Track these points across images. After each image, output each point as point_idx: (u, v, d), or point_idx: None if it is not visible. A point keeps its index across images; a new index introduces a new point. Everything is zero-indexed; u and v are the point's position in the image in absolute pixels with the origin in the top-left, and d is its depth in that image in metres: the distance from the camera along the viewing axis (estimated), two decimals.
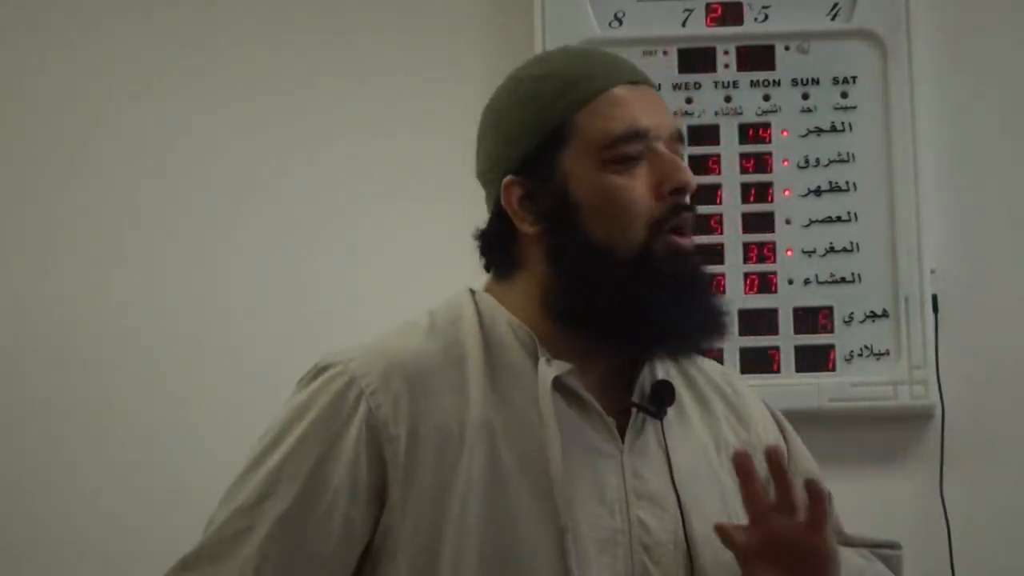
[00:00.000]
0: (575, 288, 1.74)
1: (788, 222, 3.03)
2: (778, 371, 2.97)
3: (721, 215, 3.03)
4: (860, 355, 2.98)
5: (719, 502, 1.77)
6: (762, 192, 3.04)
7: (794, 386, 2.95)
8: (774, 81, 3.06)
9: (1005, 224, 3.06)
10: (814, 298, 3.00)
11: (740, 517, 1.74)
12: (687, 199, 1.74)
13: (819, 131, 3.04)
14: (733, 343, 2.98)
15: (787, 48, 3.07)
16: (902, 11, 3.04)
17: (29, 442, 3.06)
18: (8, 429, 3.07)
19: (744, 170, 3.04)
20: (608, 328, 1.73)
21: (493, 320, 1.78)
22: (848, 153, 3.04)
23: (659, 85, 3.01)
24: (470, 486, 1.69)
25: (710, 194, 3.04)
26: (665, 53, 3.07)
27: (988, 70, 3.09)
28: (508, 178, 1.78)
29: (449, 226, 3.05)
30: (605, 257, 1.72)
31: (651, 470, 1.74)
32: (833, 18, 3.07)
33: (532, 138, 1.77)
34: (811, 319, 2.99)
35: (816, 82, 3.05)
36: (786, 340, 2.99)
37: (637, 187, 1.73)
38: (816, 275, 3.01)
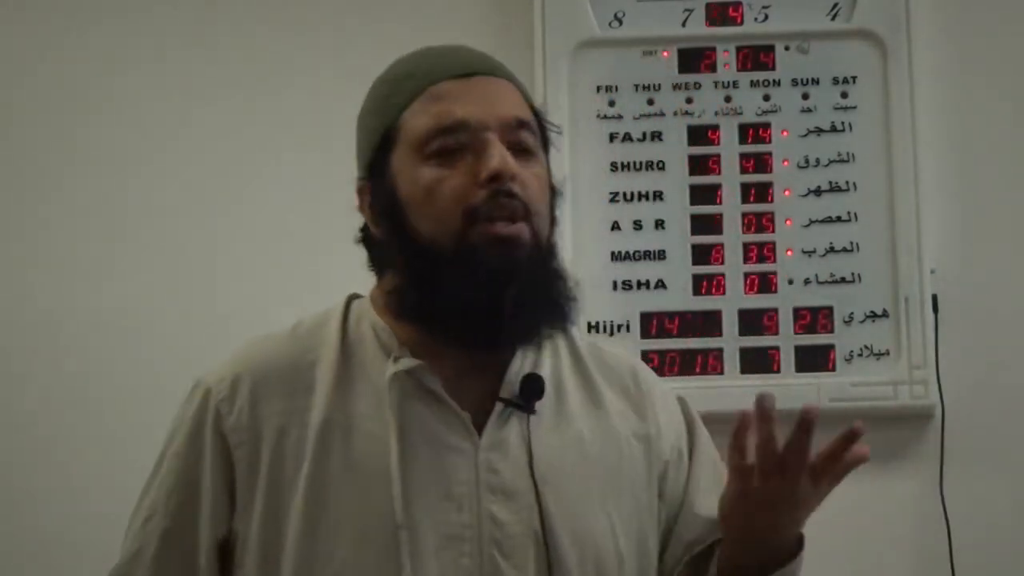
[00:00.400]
0: (410, 286, 1.75)
1: (788, 222, 3.03)
2: (778, 371, 2.97)
3: (721, 215, 3.03)
4: (860, 355, 2.98)
5: (588, 494, 1.75)
6: (762, 192, 3.04)
7: (794, 386, 2.95)
8: (774, 81, 3.06)
9: (1005, 224, 3.06)
10: (814, 298, 3.01)
11: (613, 509, 1.75)
12: (507, 186, 1.70)
13: (819, 131, 3.04)
14: (733, 343, 2.98)
15: (787, 48, 3.07)
16: (902, 11, 3.04)
17: (27, 443, 3.06)
18: (6, 430, 3.07)
19: (744, 170, 3.04)
20: (443, 324, 1.74)
21: (359, 323, 1.81)
22: (848, 153, 3.04)
23: (659, 84, 3.06)
24: (304, 490, 1.72)
25: (710, 194, 3.04)
26: (665, 53, 3.08)
27: (988, 70, 3.10)
28: (358, 183, 1.82)
29: None
30: (430, 252, 1.72)
31: (508, 464, 1.73)
32: (833, 18, 3.07)
33: (372, 143, 1.80)
34: (811, 319, 2.99)
35: (816, 82, 3.05)
36: (786, 340, 2.99)
37: (454, 177, 1.72)
38: (816, 275, 3.01)
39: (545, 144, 1.82)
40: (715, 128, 3.05)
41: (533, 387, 1.76)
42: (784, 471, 1.63)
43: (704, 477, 1.86)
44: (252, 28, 3.17)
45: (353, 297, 1.85)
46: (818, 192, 3.03)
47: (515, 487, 1.72)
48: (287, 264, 3.09)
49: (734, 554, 1.73)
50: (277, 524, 1.72)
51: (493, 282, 1.70)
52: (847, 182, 3.03)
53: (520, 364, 1.79)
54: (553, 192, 1.81)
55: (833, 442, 1.63)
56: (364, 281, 3.10)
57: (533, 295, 1.72)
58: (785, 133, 3.05)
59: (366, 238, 1.83)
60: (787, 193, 3.04)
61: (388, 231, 1.77)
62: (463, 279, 1.70)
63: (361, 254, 3.04)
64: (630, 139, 3.05)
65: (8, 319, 3.10)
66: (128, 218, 3.12)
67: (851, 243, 3.01)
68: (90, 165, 3.14)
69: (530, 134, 1.76)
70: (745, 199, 3.04)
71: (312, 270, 3.09)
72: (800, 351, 2.99)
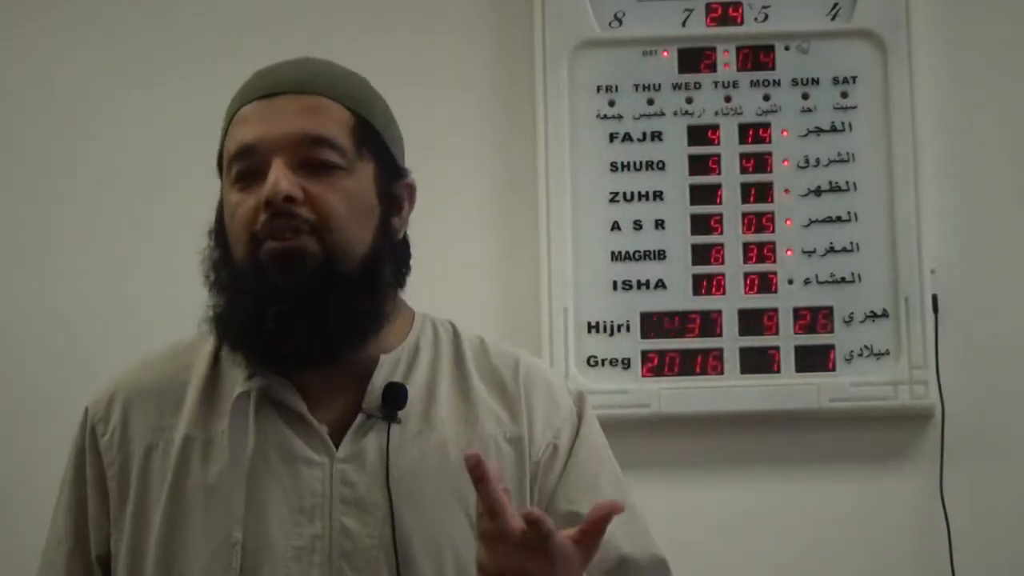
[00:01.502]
0: (218, 312, 1.77)
1: (788, 222, 3.03)
2: (778, 371, 2.97)
3: (721, 215, 3.03)
4: (860, 355, 2.98)
5: (450, 502, 1.73)
6: (762, 192, 3.04)
7: (794, 386, 2.96)
8: (774, 81, 3.06)
9: (1005, 224, 3.06)
10: (814, 298, 3.00)
11: (475, 515, 1.65)
12: (284, 208, 1.70)
13: (819, 131, 3.04)
14: (733, 343, 2.98)
15: (787, 48, 3.07)
16: (902, 11, 3.04)
17: (39, 442, 3.06)
18: (16, 428, 3.08)
19: (744, 170, 3.04)
20: (228, 341, 1.76)
21: None
22: (848, 153, 3.04)
23: (659, 84, 3.06)
24: (164, 507, 1.74)
25: (710, 194, 3.04)
26: (665, 53, 3.07)
27: (988, 70, 3.09)
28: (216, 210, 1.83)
29: (454, 227, 3.07)
30: (235, 276, 1.74)
31: (364, 476, 1.72)
32: (833, 18, 3.07)
33: (219, 171, 1.82)
34: (811, 319, 2.99)
35: (816, 82, 3.05)
36: (786, 340, 2.99)
37: (247, 202, 1.73)
38: (816, 275, 3.01)
39: (377, 151, 1.79)
40: (715, 128, 3.05)
41: (396, 396, 1.75)
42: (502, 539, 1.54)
43: (577, 475, 1.80)
44: (251, 30, 3.16)
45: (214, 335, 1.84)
46: (818, 192, 3.03)
47: (369, 499, 1.72)
48: None
49: None
50: (141, 545, 1.75)
51: (264, 298, 1.70)
52: (847, 182, 3.03)
53: (389, 371, 1.78)
54: (389, 199, 1.79)
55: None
56: None
57: (311, 312, 1.70)
58: (785, 133, 3.05)
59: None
60: (787, 193, 3.04)
61: (216, 252, 1.79)
62: (248, 298, 1.72)
63: None
64: (630, 139, 3.05)
65: (18, 319, 3.11)
66: (138, 220, 3.12)
67: (851, 243, 3.01)
68: (95, 167, 3.14)
69: (331, 149, 1.75)
70: (745, 199, 3.03)
71: None
72: (800, 351, 2.98)
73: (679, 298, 3.01)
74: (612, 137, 3.06)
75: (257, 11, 3.17)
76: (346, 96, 1.80)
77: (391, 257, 1.79)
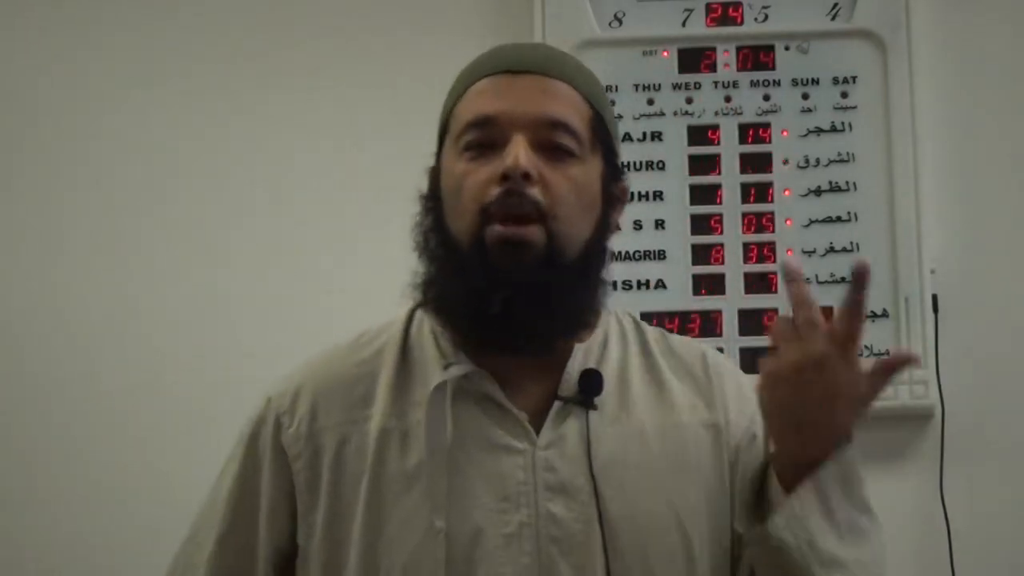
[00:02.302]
0: (434, 278, 1.76)
1: (788, 222, 3.03)
2: None
3: (721, 215, 3.03)
4: (860, 355, 2.95)
5: (651, 486, 1.73)
6: (762, 192, 3.04)
7: None
8: (774, 81, 3.06)
9: (1005, 224, 3.06)
10: (814, 298, 3.00)
11: (678, 498, 1.72)
12: (519, 185, 1.69)
13: (819, 131, 3.04)
14: (733, 343, 2.98)
15: (787, 48, 3.07)
16: (902, 11, 3.04)
17: (39, 442, 3.07)
18: (21, 427, 3.08)
19: (744, 170, 3.04)
20: (452, 321, 1.75)
21: (420, 330, 1.82)
22: (848, 153, 3.04)
23: (659, 84, 3.06)
24: (364, 498, 1.73)
25: (710, 194, 3.04)
26: (665, 53, 3.08)
27: (988, 69, 3.10)
28: (428, 173, 1.83)
29: None
30: (453, 246, 1.73)
31: (566, 461, 1.72)
32: (833, 18, 3.07)
33: (439, 131, 1.83)
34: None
35: (816, 82, 3.05)
36: None
37: (478, 173, 1.72)
38: (816, 275, 3.01)
39: (606, 149, 1.79)
40: (715, 128, 3.05)
41: (592, 382, 1.75)
42: (814, 336, 1.63)
43: None
44: (254, 32, 3.17)
45: (418, 305, 1.84)
46: (818, 192, 3.03)
47: (573, 484, 1.71)
48: (297, 262, 3.09)
49: (782, 454, 1.67)
50: (339, 538, 1.74)
51: (491, 281, 1.69)
52: (847, 182, 3.03)
53: (582, 359, 1.78)
54: (611, 197, 1.79)
55: (847, 298, 1.64)
56: (370, 282, 3.11)
57: (532, 301, 1.70)
58: (785, 133, 3.05)
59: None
60: (787, 193, 3.04)
61: (428, 220, 1.78)
62: (469, 278, 1.70)
63: (357, 253, 3.09)
64: (630, 139, 3.05)
65: (22, 316, 3.11)
66: (141, 216, 3.12)
67: (851, 243, 3.01)
68: (100, 163, 3.14)
69: (567, 135, 1.74)
70: (745, 199, 3.04)
71: (326, 272, 3.09)
72: None
73: (679, 298, 3.01)
74: None
75: (257, 11, 3.17)
76: (586, 88, 1.80)
77: (604, 253, 1.79)
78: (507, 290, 1.69)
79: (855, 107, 3.04)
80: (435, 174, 1.79)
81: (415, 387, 1.76)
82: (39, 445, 3.07)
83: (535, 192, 1.70)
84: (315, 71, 3.14)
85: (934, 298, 2.98)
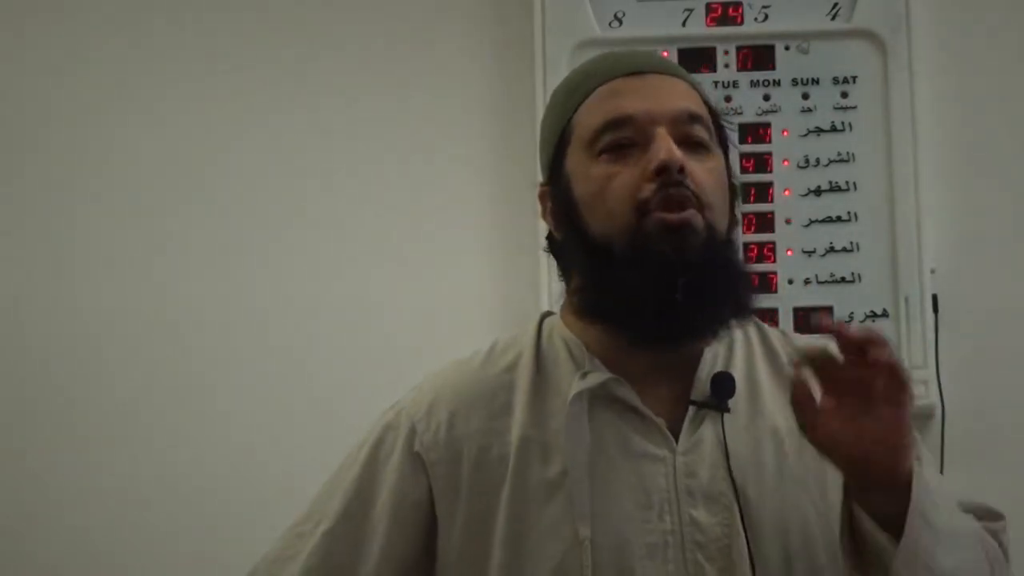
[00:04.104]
0: (588, 285, 1.75)
1: (788, 222, 3.03)
2: None
3: None
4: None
5: (790, 487, 1.73)
6: (762, 192, 3.04)
7: None
8: (774, 81, 3.06)
9: (1005, 224, 3.06)
10: (814, 298, 3.00)
11: (818, 497, 1.71)
12: (675, 176, 1.70)
13: (819, 131, 3.04)
14: None
15: (787, 48, 3.07)
16: (902, 11, 3.04)
17: (39, 442, 3.07)
18: (33, 430, 3.08)
19: (744, 170, 3.04)
20: (621, 320, 1.73)
21: (551, 339, 1.82)
22: (848, 153, 3.04)
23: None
24: (505, 507, 1.73)
25: None
26: (665, 53, 3.07)
27: (988, 70, 3.09)
28: (540, 188, 1.83)
29: (455, 228, 3.07)
30: (605, 249, 1.72)
31: (706, 467, 1.72)
32: (833, 18, 3.07)
33: (550, 145, 1.81)
34: (811, 319, 2.99)
35: (816, 82, 3.05)
36: None
37: (624, 173, 1.72)
38: (816, 275, 3.01)
39: (723, 143, 1.81)
40: None
41: (724, 385, 1.75)
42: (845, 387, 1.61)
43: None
44: (248, 32, 3.17)
45: (546, 315, 1.85)
46: (818, 192, 3.03)
47: (714, 489, 1.71)
48: (317, 268, 3.09)
49: (856, 494, 1.65)
50: (479, 547, 1.73)
51: (666, 271, 1.69)
52: (847, 182, 3.03)
53: (711, 363, 1.78)
54: (733, 189, 1.80)
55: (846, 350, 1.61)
56: (378, 284, 3.09)
57: (708, 284, 1.70)
58: (785, 133, 3.05)
59: (552, 246, 1.83)
60: (787, 193, 3.04)
61: (567, 232, 1.78)
62: (637, 271, 1.69)
63: (354, 250, 3.09)
64: None
65: (38, 321, 3.11)
66: (157, 223, 3.12)
67: (851, 243, 3.01)
68: (116, 170, 3.14)
69: (702, 128, 1.76)
70: (745, 199, 3.03)
71: (334, 273, 3.09)
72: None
73: None
74: None
75: (260, 18, 3.17)
76: (700, 88, 1.83)
77: (736, 246, 1.80)
78: (686, 274, 1.68)
79: (855, 107, 3.04)
80: (561, 186, 1.78)
81: (552, 397, 1.76)
82: (39, 445, 3.07)
83: (690, 183, 1.71)
84: (313, 75, 3.14)
85: (934, 298, 2.98)
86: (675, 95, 1.77)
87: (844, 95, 3.05)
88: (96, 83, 3.15)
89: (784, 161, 3.04)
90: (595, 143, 1.75)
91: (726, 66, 3.07)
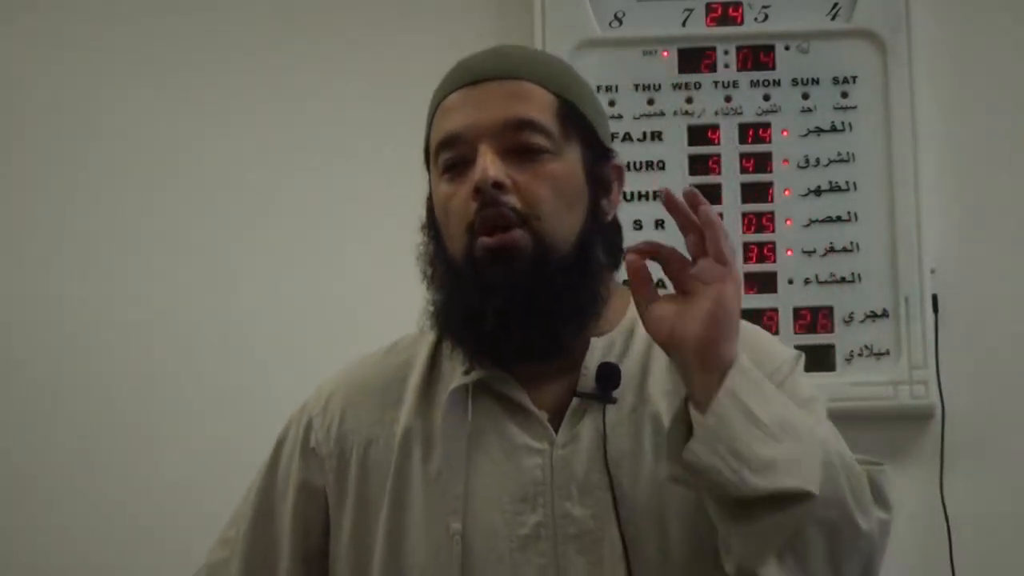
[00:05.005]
0: (438, 301, 1.77)
1: (788, 222, 3.03)
2: None
3: (721, 215, 3.02)
4: (860, 355, 2.98)
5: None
6: (762, 192, 3.04)
7: None
8: (774, 81, 3.06)
9: (1005, 224, 3.06)
10: (814, 298, 3.01)
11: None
12: (490, 196, 1.69)
13: (819, 131, 3.04)
14: None
15: (787, 48, 3.07)
16: (902, 11, 3.04)
17: (39, 442, 3.07)
18: (16, 428, 3.08)
19: (744, 170, 3.05)
20: (461, 342, 1.75)
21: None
22: (848, 153, 3.04)
23: (659, 84, 3.06)
24: (388, 500, 1.75)
25: (710, 194, 3.03)
26: (665, 53, 3.08)
27: (988, 70, 3.10)
28: (427, 201, 1.82)
29: None
30: (452, 269, 1.74)
31: (583, 459, 1.71)
32: (833, 18, 3.07)
33: (425, 162, 1.82)
34: (811, 319, 2.99)
35: (816, 82, 3.05)
36: (786, 340, 2.98)
37: (459, 193, 1.72)
38: (816, 275, 3.01)
39: (584, 134, 1.78)
40: (715, 128, 3.05)
41: (609, 376, 1.74)
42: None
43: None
44: (251, 33, 3.17)
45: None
46: (818, 192, 3.03)
47: (589, 481, 1.71)
48: (301, 268, 3.09)
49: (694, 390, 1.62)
50: (365, 538, 1.76)
51: (482, 295, 1.69)
52: (847, 182, 3.03)
53: (602, 353, 1.76)
54: (599, 181, 1.78)
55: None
56: (383, 287, 3.09)
57: (528, 305, 1.69)
58: (785, 133, 3.05)
59: (424, 254, 1.83)
60: (787, 193, 3.04)
61: (431, 248, 1.79)
62: (465, 296, 1.71)
63: (360, 261, 3.09)
64: (630, 139, 3.05)
65: (25, 320, 3.11)
66: (144, 223, 3.13)
67: (851, 243, 3.01)
68: (102, 169, 3.14)
69: (538, 133, 1.73)
70: (745, 199, 3.04)
71: (327, 276, 3.09)
72: (800, 351, 2.98)
73: None
74: (612, 137, 3.04)
75: (261, 19, 3.17)
76: (548, 78, 1.78)
77: (602, 239, 1.77)
78: (498, 301, 1.69)
79: (855, 107, 3.04)
80: (430, 202, 1.80)
81: (442, 391, 1.78)
82: (39, 445, 3.07)
83: (511, 199, 1.69)
84: (312, 74, 3.14)
85: (934, 298, 2.98)
86: (504, 102, 1.73)
87: (844, 95, 3.05)
88: (66, 80, 3.16)
89: (784, 161, 3.04)
90: (438, 163, 1.76)
91: (726, 66, 3.07)
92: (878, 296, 2.99)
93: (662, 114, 3.06)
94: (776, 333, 2.98)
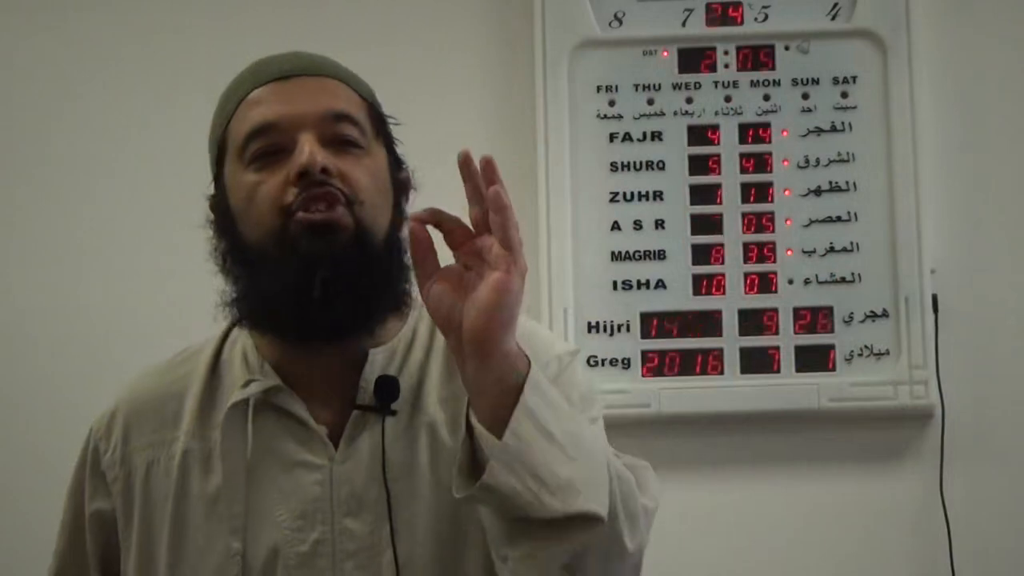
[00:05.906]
0: (239, 293, 1.74)
1: (788, 222, 3.03)
2: (778, 371, 2.97)
3: (721, 215, 3.03)
4: (860, 355, 2.98)
5: (446, 484, 1.65)
6: (762, 192, 3.04)
7: (794, 386, 2.96)
8: (774, 81, 3.06)
9: (1005, 224, 3.06)
10: (814, 298, 3.00)
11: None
12: (318, 178, 1.67)
13: (819, 131, 3.04)
14: (733, 343, 2.98)
15: (787, 48, 3.07)
16: (902, 11, 3.04)
17: (39, 442, 3.07)
18: (15, 428, 3.08)
19: (744, 170, 3.04)
20: (271, 324, 1.72)
21: (233, 348, 1.80)
22: (848, 153, 3.04)
23: (659, 84, 3.06)
24: (169, 524, 1.73)
25: (710, 194, 3.04)
26: (665, 53, 3.07)
27: (988, 70, 3.09)
28: (208, 200, 1.80)
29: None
30: (258, 257, 1.70)
31: (362, 474, 1.70)
32: (833, 18, 3.07)
33: (212, 156, 1.80)
34: (811, 319, 2.99)
35: (816, 82, 3.05)
36: (786, 340, 2.99)
37: (269, 181, 1.69)
38: (816, 275, 3.01)
39: (386, 138, 1.79)
40: (715, 128, 3.05)
41: (387, 388, 1.72)
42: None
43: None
44: (235, 25, 3.16)
45: (233, 324, 1.82)
46: (818, 192, 3.03)
47: (368, 496, 1.70)
48: None
49: (477, 400, 1.58)
50: (149, 563, 1.74)
51: (307, 269, 1.66)
52: (847, 182, 3.03)
53: (382, 366, 1.74)
54: (400, 185, 1.78)
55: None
56: None
57: (353, 280, 1.67)
58: (785, 133, 3.05)
59: (217, 257, 1.80)
60: (787, 193, 3.04)
61: (226, 243, 1.76)
62: (280, 272, 1.67)
63: None
64: (630, 139, 3.05)
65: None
66: (111, 220, 3.13)
67: (851, 243, 3.01)
68: (68, 166, 3.14)
69: (353, 126, 1.74)
70: (745, 199, 3.04)
71: None
72: (800, 351, 2.98)
73: (679, 298, 3.01)
74: (612, 137, 3.05)
75: (254, 16, 3.17)
76: (354, 81, 1.81)
77: (402, 245, 1.75)
78: (325, 271, 1.66)
79: (855, 107, 3.04)
80: (218, 197, 1.77)
81: (220, 406, 1.75)
82: (39, 445, 3.07)
83: (336, 182, 1.69)
84: None
85: (934, 298, 2.98)
86: (322, 96, 1.74)
87: (844, 95, 3.05)
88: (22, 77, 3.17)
89: (784, 161, 3.04)
90: (244, 152, 1.72)
91: (726, 66, 3.07)
92: (878, 296, 2.99)
93: (662, 114, 3.06)
94: (776, 333, 2.99)
